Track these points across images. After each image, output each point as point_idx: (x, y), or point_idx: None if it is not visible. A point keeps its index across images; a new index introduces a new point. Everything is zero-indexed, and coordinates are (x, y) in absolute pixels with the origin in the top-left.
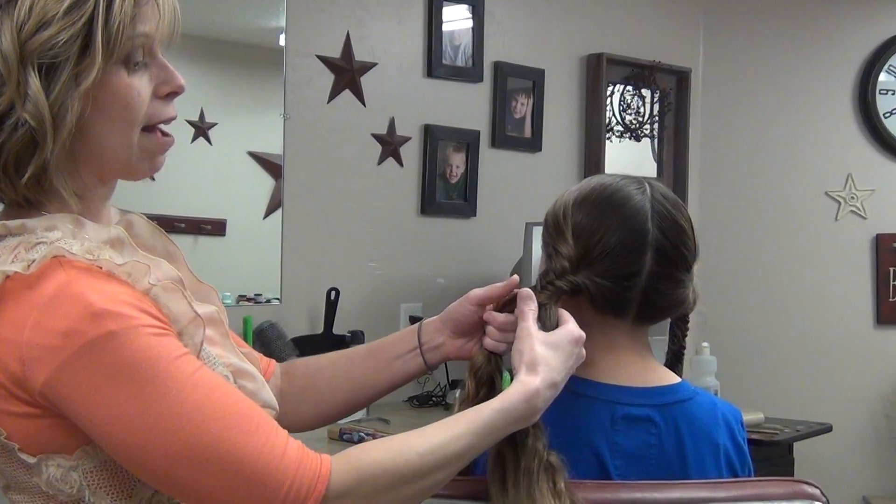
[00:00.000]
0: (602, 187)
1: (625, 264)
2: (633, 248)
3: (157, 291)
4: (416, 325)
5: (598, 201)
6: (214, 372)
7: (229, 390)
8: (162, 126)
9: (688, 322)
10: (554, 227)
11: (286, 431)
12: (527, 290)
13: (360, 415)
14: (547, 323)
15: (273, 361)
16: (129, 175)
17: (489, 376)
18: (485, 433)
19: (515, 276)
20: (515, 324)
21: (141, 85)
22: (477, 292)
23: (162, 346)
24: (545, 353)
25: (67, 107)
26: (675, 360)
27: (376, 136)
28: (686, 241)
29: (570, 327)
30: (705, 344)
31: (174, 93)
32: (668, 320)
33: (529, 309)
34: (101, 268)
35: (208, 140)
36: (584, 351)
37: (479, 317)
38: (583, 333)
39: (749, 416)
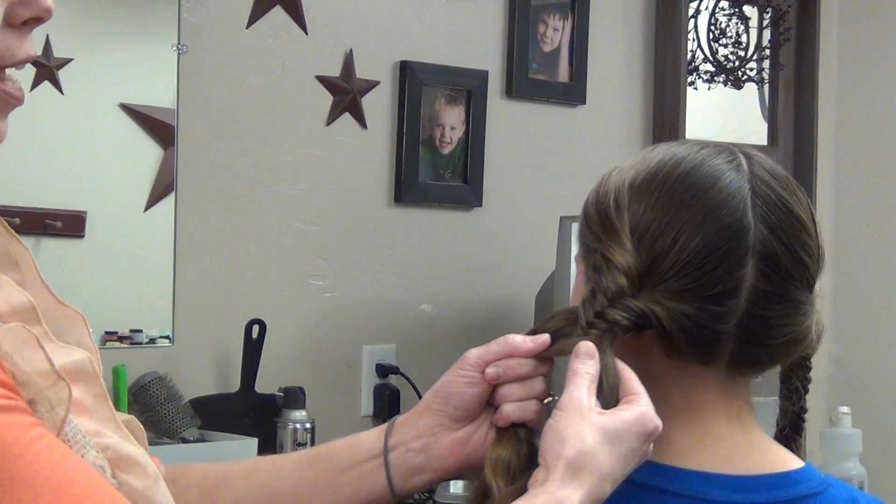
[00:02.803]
0: (674, 161)
1: (714, 280)
2: (727, 253)
3: None
4: (388, 423)
5: (668, 183)
6: (84, 463)
7: (105, 493)
8: (10, 72)
9: (809, 369)
10: (601, 224)
11: None
12: (589, 346)
13: None
14: (604, 389)
15: (154, 458)
16: None
17: (526, 464)
18: None
19: (546, 336)
20: (545, 373)
21: None
22: (476, 351)
23: (8, 428)
24: (599, 450)
25: None
26: (792, 432)
27: (324, 81)
28: (806, 241)
29: (643, 409)
30: (845, 409)
31: (36, 19)
32: (779, 370)
33: (586, 371)
34: None
35: (58, 86)
36: (651, 448)
37: (484, 390)
38: (659, 423)
39: None
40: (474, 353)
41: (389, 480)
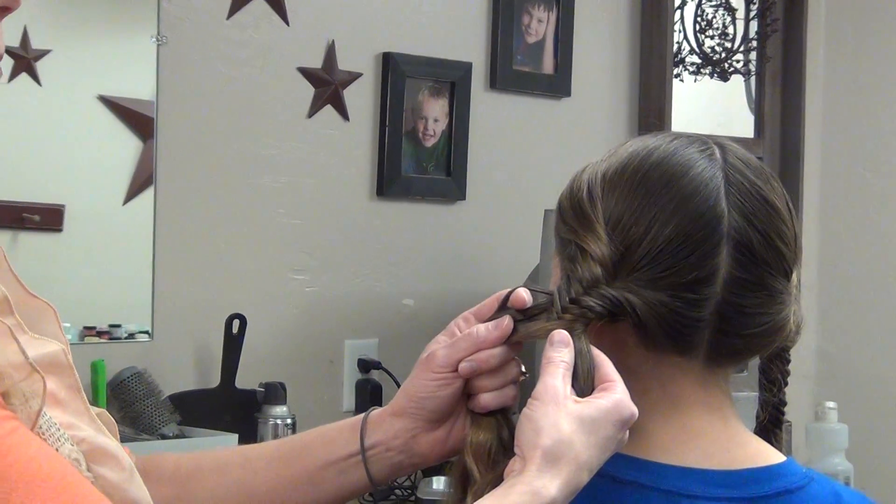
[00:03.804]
0: (647, 152)
1: (688, 267)
2: (701, 241)
3: None
4: (361, 416)
5: (640, 172)
6: (59, 456)
7: (80, 488)
8: None
9: (789, 361)
10: (576, 216)
11: None
12: (563, 334)
13: None
14: (579, 375)
15: (126, 449)
16: None
17: (508, 443)
18: None
19: (508, 320)
20: (516, 354)
21: None
22: (443, 351)
23: None
24: (576, 438)
25: None
26: (772, 425)
27: (306, 72)
28: (781, 228)
29: (619, 397)
30: (831, 404)
31: (4, 9)
32: (758, 362)
33: (561, 359)
34: None
35: (35, 78)
36: (627, 435)
37: (458, 388)
38: (635, 410)
39: None
40: (442, 354)
41: (370, 475)
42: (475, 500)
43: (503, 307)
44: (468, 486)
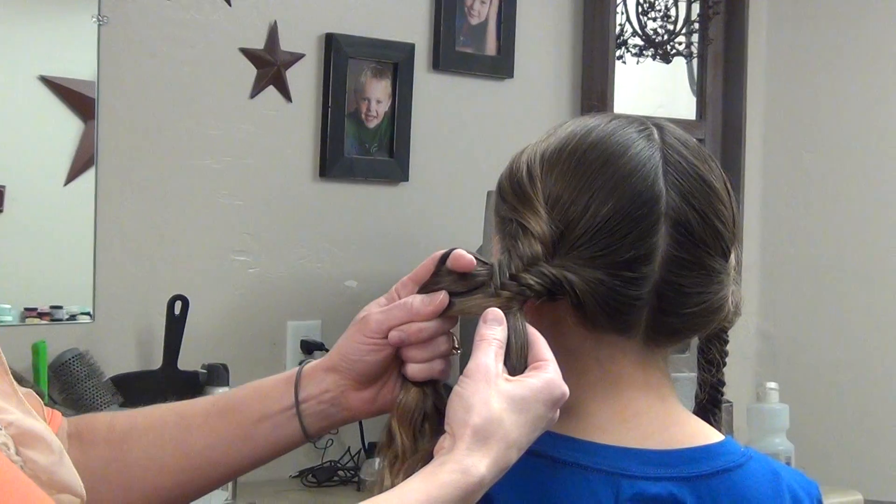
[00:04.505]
0: (585, 131)
1: (626, 246)
2: (639, 219)
3: None
4: (296, 369)
5: (579, 152)
6: None
7: (9, 478)
8: None
9: (727, 341)
10: (515, 194)
11: None
12: (496, 312)
13: (219, 497)
14: (512, 352)
15: (56, 414)
16: None
17: (432, 414)
18: None
19: (443, 295)
20: (449, 329)
21: None
22: (377, 317)
23: None
24: (506, 417)
25: None
26: (710, 405)
27: (248, 53)
28: (719, 208)
29: (550, 377)
30: (772, 385)
31: None
32: (697, 345)
33: (494, 337)
34: None
35: None
36: (557, 415)
37: (389, 354)
38: (566, 390)
39: (837, 498)
40: (375, 320)
41: (304, 428)
42: (405, 479)
43: (439, 271)
44: (392, 447)
